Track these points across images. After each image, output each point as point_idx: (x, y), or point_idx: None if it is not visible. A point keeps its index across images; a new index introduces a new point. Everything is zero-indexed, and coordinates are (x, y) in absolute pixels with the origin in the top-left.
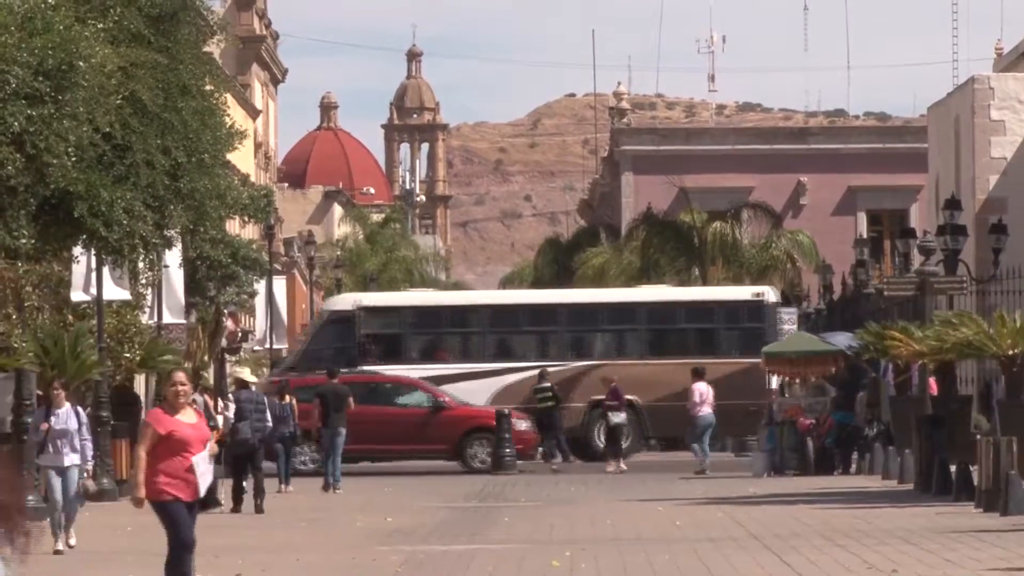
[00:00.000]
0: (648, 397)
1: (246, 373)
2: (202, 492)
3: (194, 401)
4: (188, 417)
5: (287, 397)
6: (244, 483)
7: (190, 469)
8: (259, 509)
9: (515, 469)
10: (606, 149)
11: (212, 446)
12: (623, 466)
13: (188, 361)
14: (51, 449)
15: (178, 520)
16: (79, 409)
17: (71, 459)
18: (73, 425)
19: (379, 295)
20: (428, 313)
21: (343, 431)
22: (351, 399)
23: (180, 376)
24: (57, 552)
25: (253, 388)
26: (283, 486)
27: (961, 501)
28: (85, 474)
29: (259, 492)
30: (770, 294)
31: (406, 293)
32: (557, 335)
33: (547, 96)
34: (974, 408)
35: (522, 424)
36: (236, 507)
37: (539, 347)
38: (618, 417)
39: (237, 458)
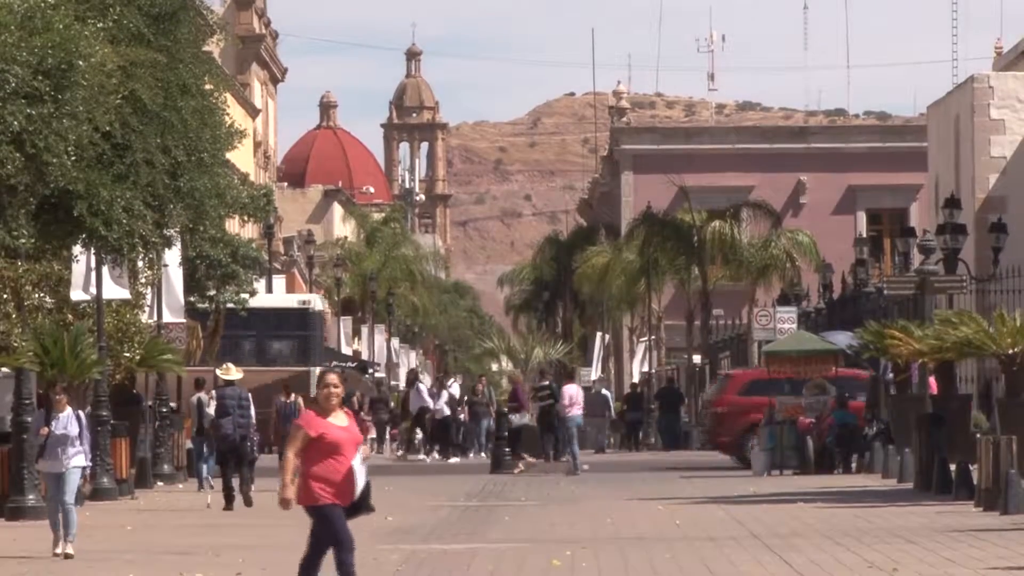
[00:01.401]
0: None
1: (232, 371)
2: (356, 496)
3: (344, 405)
4: (340, 420)
5: (292, 395)
6: (233, 480)
7: (347, 474)
8: (248, 501)
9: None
10: (606, 148)
11: (364, 449)
12: (522, 467)
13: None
14: (50, 456)
15: (336, 524)
16: (80, 413)
17: (71, 462)
18: (73, 430)
19: None
20: None
21: None
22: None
23: (333, 378)
24: (56, 555)
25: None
26: None
27: (961, 500)
28: (83, 479)
29: (244, 482)
30: (316, 302)
31: None
32: None
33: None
34: (974, 407)
35: None
36: (228, 505)
37: None
38: (521, 418)
39: (223, 454)
